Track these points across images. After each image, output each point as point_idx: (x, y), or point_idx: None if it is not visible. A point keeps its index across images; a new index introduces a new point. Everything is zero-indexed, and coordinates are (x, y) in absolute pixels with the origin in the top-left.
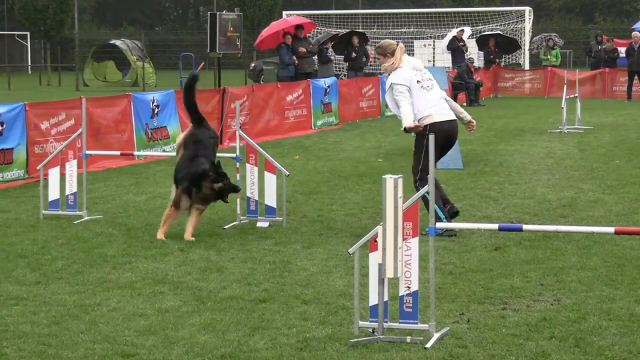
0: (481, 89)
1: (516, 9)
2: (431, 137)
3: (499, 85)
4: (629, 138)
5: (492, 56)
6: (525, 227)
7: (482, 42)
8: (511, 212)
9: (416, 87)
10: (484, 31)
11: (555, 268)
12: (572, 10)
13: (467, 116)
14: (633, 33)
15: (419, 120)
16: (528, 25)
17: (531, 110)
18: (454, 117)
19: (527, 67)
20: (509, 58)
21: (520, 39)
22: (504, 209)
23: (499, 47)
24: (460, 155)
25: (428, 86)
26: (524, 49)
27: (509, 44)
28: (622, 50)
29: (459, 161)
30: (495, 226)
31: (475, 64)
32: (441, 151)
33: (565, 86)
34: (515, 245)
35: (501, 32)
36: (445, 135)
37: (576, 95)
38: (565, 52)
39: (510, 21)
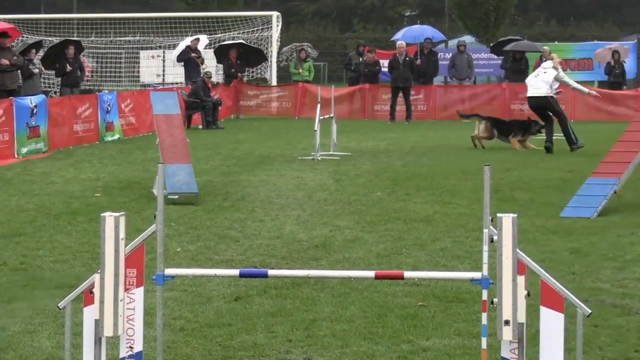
0: (220, 108)
1: (262, 14)
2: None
3: (242, 104)
4: (392, 166)
5: (233, 70)
6: (270, 272)
7: (222, 53)
8: (255, 255)
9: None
10: (224, 40)
11: (305, 320)
12: (328, 17)
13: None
14: (398, 43)
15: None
16: (276, 33)
17: (279, 134)
18: (539, 94)
19: (274, 82)
20: (253, 72)
21: (267, 49)
22: (246, 251)
23: (242, 58)
24: (194, 179)
25: (537, 75)
26: (271, 61)
27: (254, 56)
28: (384, 63)
29: (193, 185)
30: (235, 272)
31: (213, 79)
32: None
33: (319, 105)
34: (260, 295)
35: (244, 42)
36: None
37: (331, 115)
38: (320, 64)
39: (255, 28)
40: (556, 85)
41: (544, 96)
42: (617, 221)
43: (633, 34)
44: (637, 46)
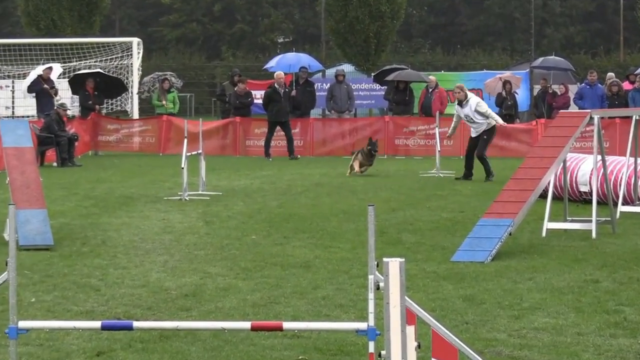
0: (76, 144)
1: (121, 40)
2: None
3: (100, 139)
4: (268, 207)
5: (90, 101)
6: (136, 324)
7: (77, 83)
8: (118, 306)
9: None
10: (80, 69)
11: None
12: (193, 44)
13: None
14: (276, 73)
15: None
16: (137, 61)
17: (143, 172)
18: None
19: (136, 115)
20: (112, 104)
21: (127, 78)
22: (109, 302)
23: (100, 89)
24: (49, 229)
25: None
26: (132, 92)
27: (113, 86)
28: (257, 94)
29: (48, 235)
30: (97, 324)
31: (69, 112)
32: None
33: (185, 140)
34: (124, 349)
35: (102, 70)
36: None
37: (200, 151)
38: (185, 96)
39: (114, 56)
40: None
41: None
42: (512, 265)
43: (525, 62)
44: (530, 76)
